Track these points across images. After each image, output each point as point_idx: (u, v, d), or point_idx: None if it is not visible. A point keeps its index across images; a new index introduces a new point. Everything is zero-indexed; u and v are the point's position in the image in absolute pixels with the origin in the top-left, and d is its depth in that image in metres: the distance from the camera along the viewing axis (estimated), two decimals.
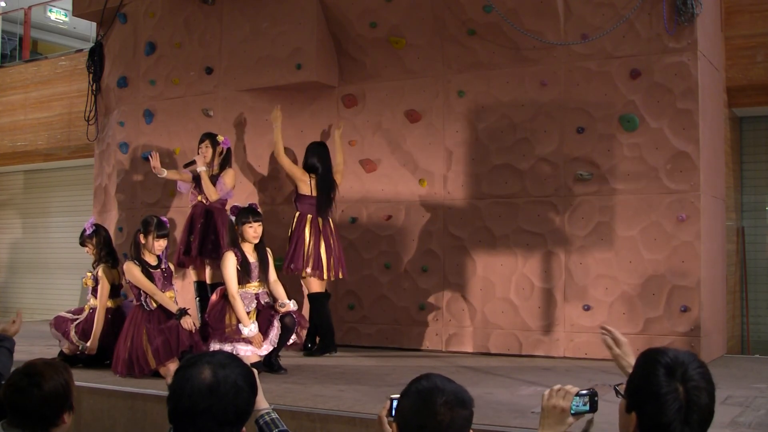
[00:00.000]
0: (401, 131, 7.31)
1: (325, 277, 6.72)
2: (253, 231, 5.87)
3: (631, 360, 2.32)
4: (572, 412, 2.16)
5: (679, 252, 6.17)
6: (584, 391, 2.17)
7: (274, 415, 2.54)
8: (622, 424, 1.98)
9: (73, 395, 2.69)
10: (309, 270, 6.62)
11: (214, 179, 6.89)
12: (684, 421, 1.86)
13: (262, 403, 2.51)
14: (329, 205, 6.88)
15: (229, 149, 7.07)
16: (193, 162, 7.00)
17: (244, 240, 5.90)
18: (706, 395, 1.89)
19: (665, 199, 6.24)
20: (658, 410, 1.86)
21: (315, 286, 6.76)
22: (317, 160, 6.92)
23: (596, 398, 2.16)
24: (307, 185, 6.84)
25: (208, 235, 6.88)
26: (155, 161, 7.17)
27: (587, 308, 6.44)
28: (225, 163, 7.03)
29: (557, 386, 2.21)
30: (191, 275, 7.24)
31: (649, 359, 1.95)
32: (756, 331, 8.05)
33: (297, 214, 6.82)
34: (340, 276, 6.82)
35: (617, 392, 2.06)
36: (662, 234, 6.24)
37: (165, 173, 7.17)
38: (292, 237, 6.75)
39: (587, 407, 2.15)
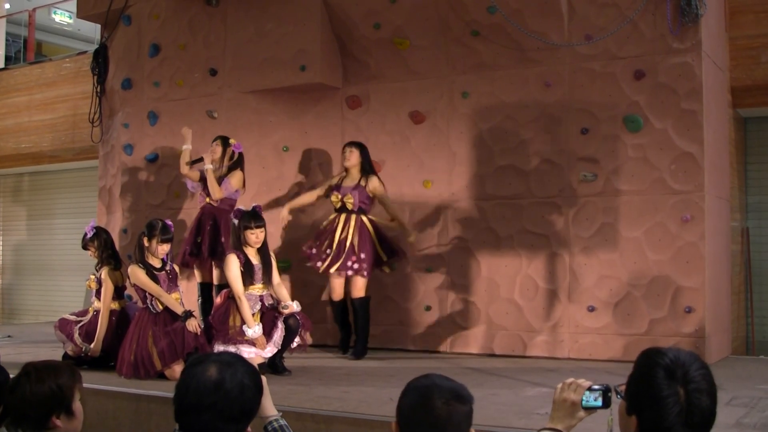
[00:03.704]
0: (405, 132, 7.31)
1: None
2: (255, 237, 5.84)
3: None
4: (583, 406, 2.11)
5: (684, 253, 6.16)
6: (597, 386, 2.12)
7: (283, 422, 2.50)
8: (623, 427, 1.93)
9: (73, 400, 2.57)
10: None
11: (221, 180, 6.88)
12: (685, 424, 1.80)
13: (270, 409, 2.47)
14: None
15: (240, 154, 6.98)
16: (201, 159, 6.99)
17: (246, 244, 5.89)
18: (708, 397, 1.83)
19: (669, 200, 6.23)
20: (658, 414, 1.81)
21: (361, 287, 6.63)
22: None
23: (609, 394, 2.09)
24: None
25: (218, 237, 6.87)
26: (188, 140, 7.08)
27: (592, 309, 6.43)
28: (235, 167, 6.96)
29: (570, 379, 2.17)
30: (196, 276, 7.23)
31: (649, 360, 1.88)
32: (761, 331, 8.03)
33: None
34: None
35: (617, 393, 2.00)
36: (667, 235, 6.23)
37: (188, 147, 7.04)
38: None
39: (599, 402, 2.09)
